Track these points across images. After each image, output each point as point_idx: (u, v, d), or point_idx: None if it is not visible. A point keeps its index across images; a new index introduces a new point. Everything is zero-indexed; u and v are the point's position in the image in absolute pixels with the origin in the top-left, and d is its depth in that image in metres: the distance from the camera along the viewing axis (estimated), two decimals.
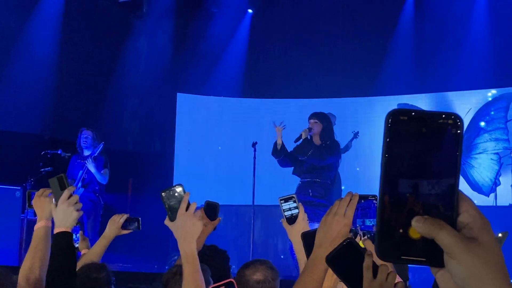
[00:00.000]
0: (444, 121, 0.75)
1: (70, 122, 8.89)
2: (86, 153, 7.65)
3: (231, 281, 1.92)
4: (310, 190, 6.84)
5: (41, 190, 2.64)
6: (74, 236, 3.90)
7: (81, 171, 7.60)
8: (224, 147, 10.13)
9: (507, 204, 8.20)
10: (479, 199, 8.71)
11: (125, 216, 3.44)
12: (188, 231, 2.15)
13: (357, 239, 1.94)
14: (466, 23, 9.67)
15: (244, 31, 10.78)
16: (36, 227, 2.61)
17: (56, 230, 2.47)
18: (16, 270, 2.55)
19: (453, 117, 0.75)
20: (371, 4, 10.12)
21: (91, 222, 7.57)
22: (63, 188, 2.48)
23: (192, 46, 10.46)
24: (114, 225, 3.41)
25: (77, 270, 3.00)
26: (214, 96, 10.49)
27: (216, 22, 10.59)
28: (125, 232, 3.45)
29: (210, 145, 10.22)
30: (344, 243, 1.56)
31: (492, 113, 9.31)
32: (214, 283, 2.16)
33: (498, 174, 8.83)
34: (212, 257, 3.18)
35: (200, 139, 10.29)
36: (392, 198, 0.75)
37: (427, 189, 0.74)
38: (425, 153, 0.75)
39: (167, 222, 2.19)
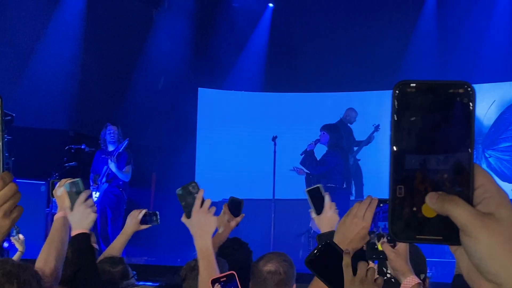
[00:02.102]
0: (455, 91, 0.70)
1: (94, 118, 9.00)
2: (111, 148, 7.72)
3: (232, 273, 1.95)
4: None
5: (63, 181, 2.67)
6: None
7: (105, 166, 7.68)
8: (244, 141, 10.16)
9: None
10: (506, 191, 8.66)
11: (143, 211, 3.46)
12: (202, 227, 2.19)
13: (381, 242, 1.97)
14: (489, 15, 9.53)
15: (265, 26, 10.77)
16: (55, 217, 2.65)
17: (74, 232, 2.53)
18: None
19: (464, 86, 0.70)
20: None
21: (114, 217, 7.66)
22: (78, 192, 2.56)
23: (213, 41, 10.50)
24: (133, 221, 3.43)
25: None
26: (235, 90, 10.52)
27: (237, 17, 10.61)
28: (144, 227, 3.46)
29: (231, 139, 10.26)
30: (322, 243, 1.58)
31: None
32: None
33: None
34: (235, 249, 3.19)
35: (221, 133, 10.34)
36: (403, 175, 0.70)
37: (441, 164, 0.69)
38: (437, 126, 0.69)
39: (183, 219, 2.23)
